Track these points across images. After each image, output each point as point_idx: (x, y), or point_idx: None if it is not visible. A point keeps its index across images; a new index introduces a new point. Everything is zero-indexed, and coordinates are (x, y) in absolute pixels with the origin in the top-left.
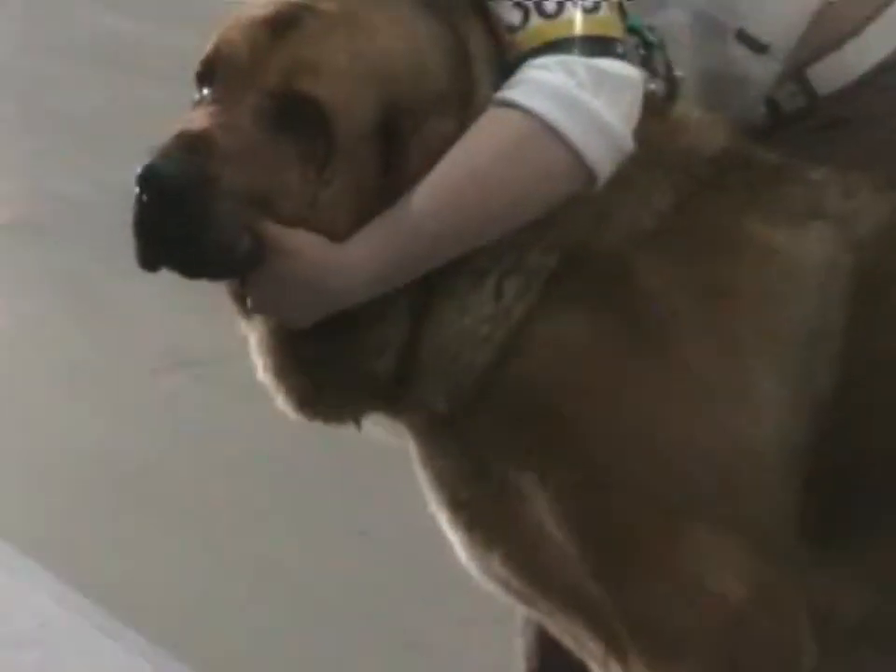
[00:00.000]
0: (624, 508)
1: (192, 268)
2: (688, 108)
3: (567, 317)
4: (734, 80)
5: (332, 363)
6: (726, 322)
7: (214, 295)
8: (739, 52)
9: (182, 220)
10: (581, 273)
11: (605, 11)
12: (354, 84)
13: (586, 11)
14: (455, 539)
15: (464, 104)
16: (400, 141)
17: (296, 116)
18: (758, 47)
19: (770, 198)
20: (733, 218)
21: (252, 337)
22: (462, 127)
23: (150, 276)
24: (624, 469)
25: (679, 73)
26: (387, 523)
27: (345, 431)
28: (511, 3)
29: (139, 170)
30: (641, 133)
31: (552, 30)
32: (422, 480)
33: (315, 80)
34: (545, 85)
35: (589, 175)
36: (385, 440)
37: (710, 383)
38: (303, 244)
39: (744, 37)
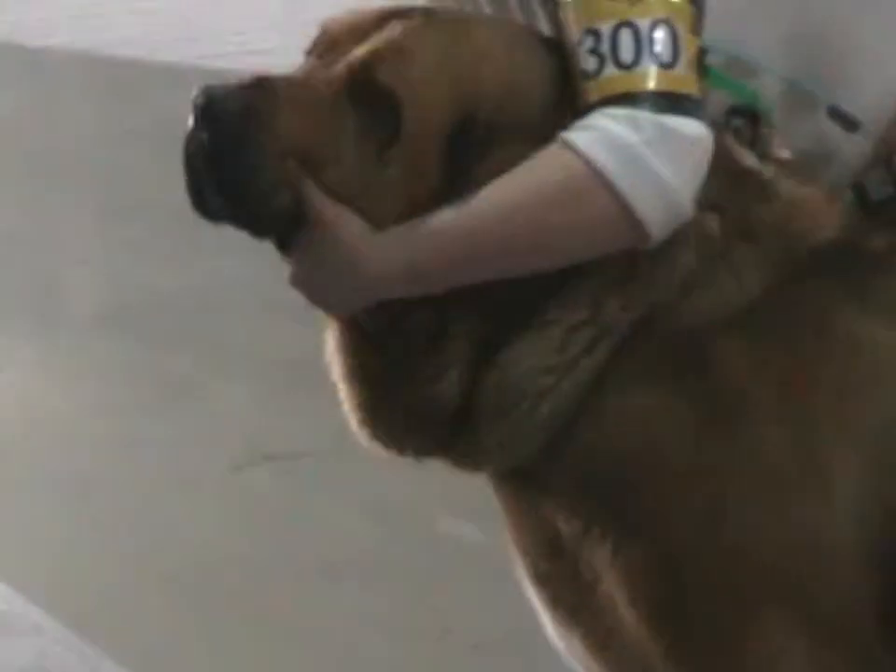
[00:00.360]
0: (696, 593)
1: (230, 208)
2: (801, 186)
3: (642, 390)
4: (822, 158)
5: (394, 379)
6: (804, 412)
7: (297, 390)
8: (830, 129)
9: (225, 149)
10: (658, 342)
11: (682, 68)
12: (435, 84)
13: (662, 66)
14: (542, 613)
15: (546, 138)
16: (471, 153)
17: (370, 97)
18: (850, 125)
19: (868, 289)
20: (824, 306)
21: (329, 337)
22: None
23: (233, 371)
24: (696, 552)
25: (784, 152)
26: (473, 621)
27: (433, 531)
28: (587, 49)
29: (196, 100)
30: (751, 212)
31: (625, 81)
32: (510, 547)
33: (396, 71)
34: (607, 134)
35: (639, 231)
36: (471, 538)
37: (783, 472)
38: (343, 219)
39: (836, 113)
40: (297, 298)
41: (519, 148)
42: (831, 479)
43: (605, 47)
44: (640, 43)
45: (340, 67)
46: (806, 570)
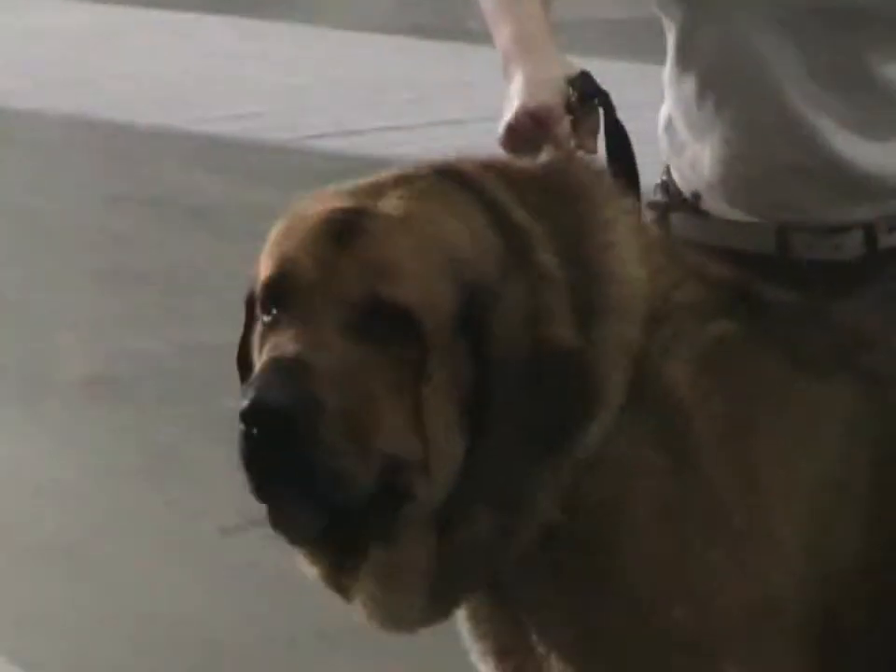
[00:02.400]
0: (658, 652)
1: (308, 498)
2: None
3: (627, 449)
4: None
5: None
6: (752, 463)
7: None
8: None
9: (297, 450)
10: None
11: None
12: (431, 279)
13: None
14: None
15: (523, 264)
16: (482, 318)
17: (382, 323)
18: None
19: (795, 341)
20: (768, 363)
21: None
22: (530, 290)
23: (220, 436)
24: (662, 608)
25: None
26: None
27: None
28: None
29: (245, 405)
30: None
31: None
32: (465, 629)
33: (396, 284)
34: None
35: None
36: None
37: (739, 525)
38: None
39: None
40: None
41: (514, 287)
42: (776, 530)
43: None
44: None
45: (340, 314)
46: (759, 620)
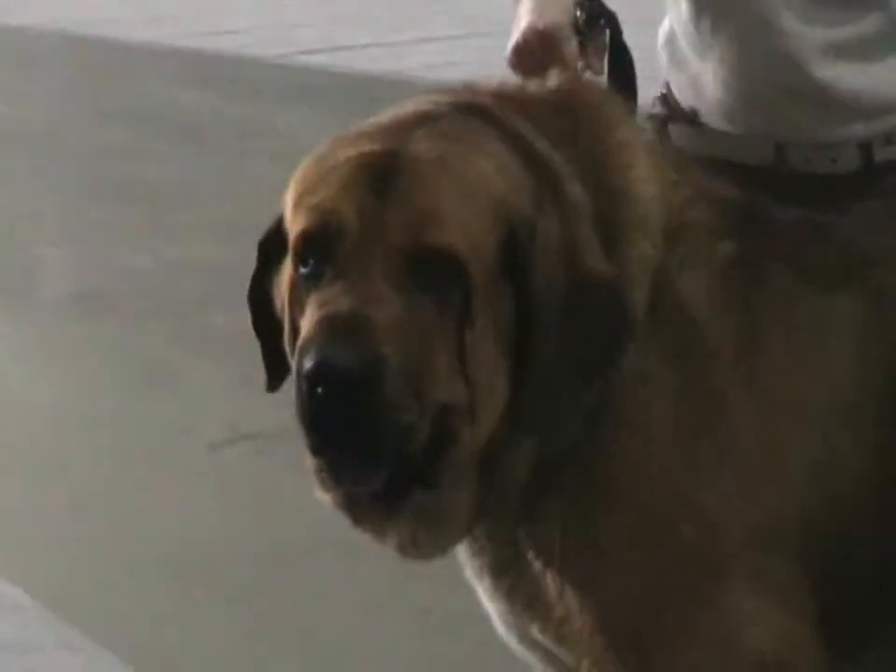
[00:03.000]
0: (662, 566)
1: (372, 454)
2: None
3: (643, 363)
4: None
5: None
6: (763, 381)
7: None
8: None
9: (363, 407)
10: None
11: None
12: (474, 222)
13: None
14: (493, 609)
15: (554, 196)
16: (524, 254)
17: (429, 270)
18: None
19: (808, 260)
20: (778, 280)
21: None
22: (563, 221)
23: (210, 351)
24: (669, 524)
25: None
26: (452, 601)
27: None
28: None
29: (310, 366)
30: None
31: None
32: (461, 548)
33: (441, 230)
34: None
35: None
36: None
37: (748, 444)
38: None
39: None
40: None
41: (549, 221)
42: (785, 450)
43: None
44: None
45: (389, 264)
46: (763, 535)
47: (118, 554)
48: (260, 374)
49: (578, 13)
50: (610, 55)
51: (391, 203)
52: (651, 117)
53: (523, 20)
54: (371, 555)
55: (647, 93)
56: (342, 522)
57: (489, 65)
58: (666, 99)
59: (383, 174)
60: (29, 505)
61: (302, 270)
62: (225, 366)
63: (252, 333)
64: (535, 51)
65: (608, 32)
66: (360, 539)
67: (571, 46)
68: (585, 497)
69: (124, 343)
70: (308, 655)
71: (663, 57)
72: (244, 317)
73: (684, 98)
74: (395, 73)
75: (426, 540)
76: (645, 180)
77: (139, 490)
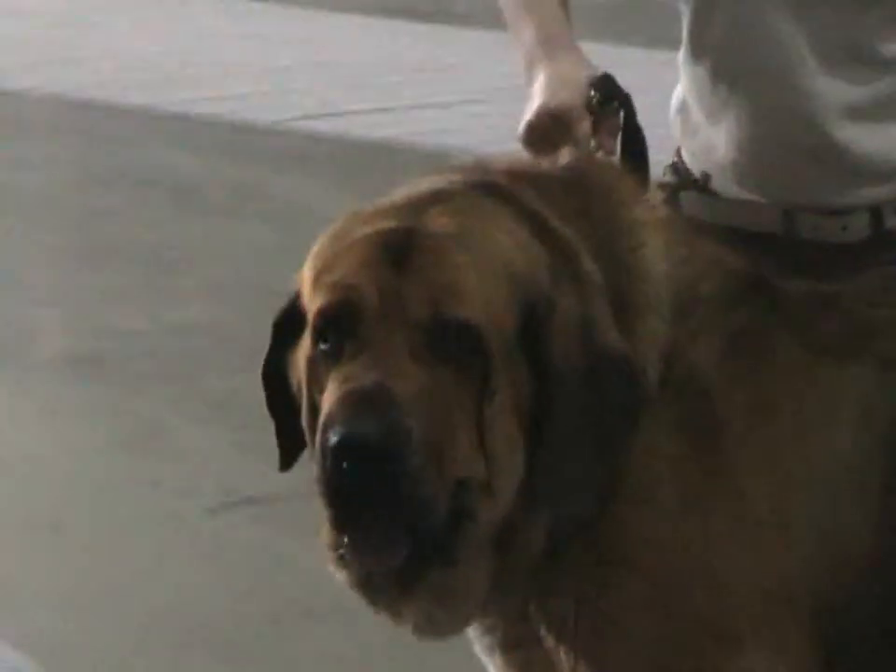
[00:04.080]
0: (675, 637)
1: (395, 528)
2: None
3: (655, 436)
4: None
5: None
6: (773, 449)
7: (272, 433)
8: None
9: (387, 480)
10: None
11: None
12: (492, 295)
13: None
14: None
15: (570, 272)
16: (542, 328)
17: (449, 343)
18: None
19: (810, 327)
20: (788, 350)
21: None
22: (579, 297)
23: (207, 415)
24: (682, 594)
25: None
26: (452, 668)
27: None
28: None
29: (335, 440)
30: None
31: None
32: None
33: (461, 303)
34: None
35: None
36: None
37: (759, 510)
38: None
39: None
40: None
41: (567, 299)
42: (795, 515)
43: None
44: None
45: (409, 337)
46: (775, 602)
47: (116, 618)
48: (258, 438)
49: (592, 93)
50: (624, 135)
51: (409, 277)
52: (662, 185)
53: (535, 98)
54: (371, 620)
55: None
56: (339, 586)
57: (485, 132)
58: (677, 167)
59: (400, 249)
60: (25, 568)
61: (322, 346)
62: (223, 429)
63: (249, 396)
64: (547, 131)
65: (622, 113)
66: (359, 603)
67: (584, 126)
68: (599, 570)
69: (121, 405)
70: None
71: (675, 125)
72: (241, 380)
73: (696, 164)
74: (391, 139)
75: (442, 618)
76: (656, 259)
77: (135, 553)
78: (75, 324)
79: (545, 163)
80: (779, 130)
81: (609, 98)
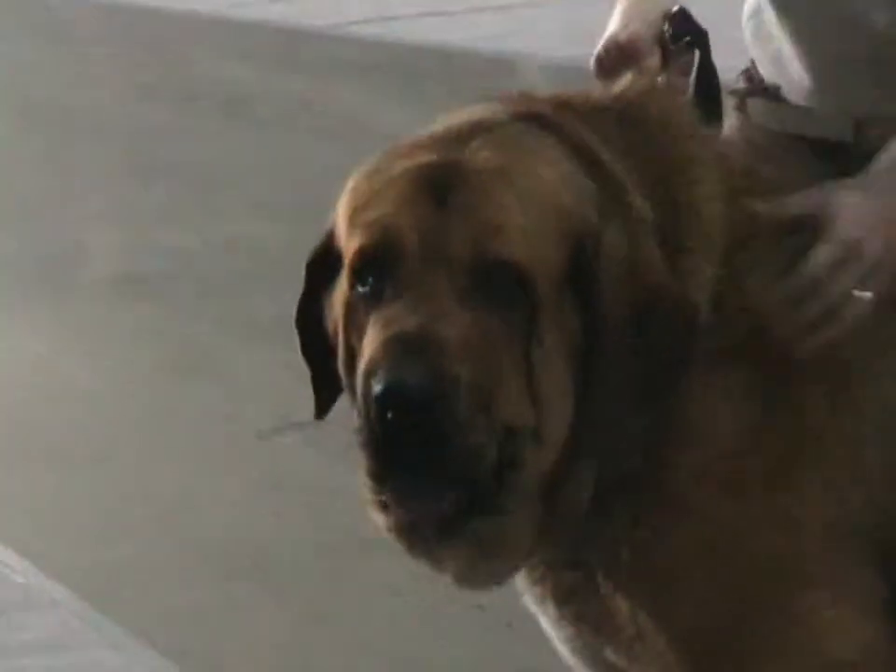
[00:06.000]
0: (739, 577)
1: (442, 478)
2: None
3: (710, 374)
4: None
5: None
6: (841, 384)
7: None
8: None
9: (436, 428)
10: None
11: None
12: (539, 233)
13: None
14: (559, 635)
15: (619, 208)
16: (590, 267)
17: (495, 285)
18: None
19: None
20: None
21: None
22: (628, 234)
23: (256, 335)
24: (746, 532)
25: None
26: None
27: None
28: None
29: (380, 389)
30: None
31: None
32: (519, 576)
33: (505, 242)
34: None
35: None
36: None
37: (826, 444)
38: None
39: None
40: None
41: (613, 232)
42: (864, 460)
43: None
44: None
45: (453, 279)
46: (839, 539)
47: (161, 547)
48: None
49: (665, 27)
50: (697, 75)
51: (452, 215)
52: (734, 92)
53: (608, 29)
54: None
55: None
56: None
57: (544, 36)
58: (750, 73)
59: (442, 186)
60: (69, 496)
61: (360, 289)
62: (272, 351)
63: None
64: (615, 63)
65: (696, 52)
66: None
67: (652, 59)
68: (654, 514)
69: (167, 327)
70: (356, 652)
71: (747, 32)
72: (291, 301)
73: (767, 73)
74: (448, 44)
75: (485, 569)
76: (711, 198)
77: (184, 481)
78: (120, 243)
79: (597, 94)
80: (846, 40)
81: (682, 33)
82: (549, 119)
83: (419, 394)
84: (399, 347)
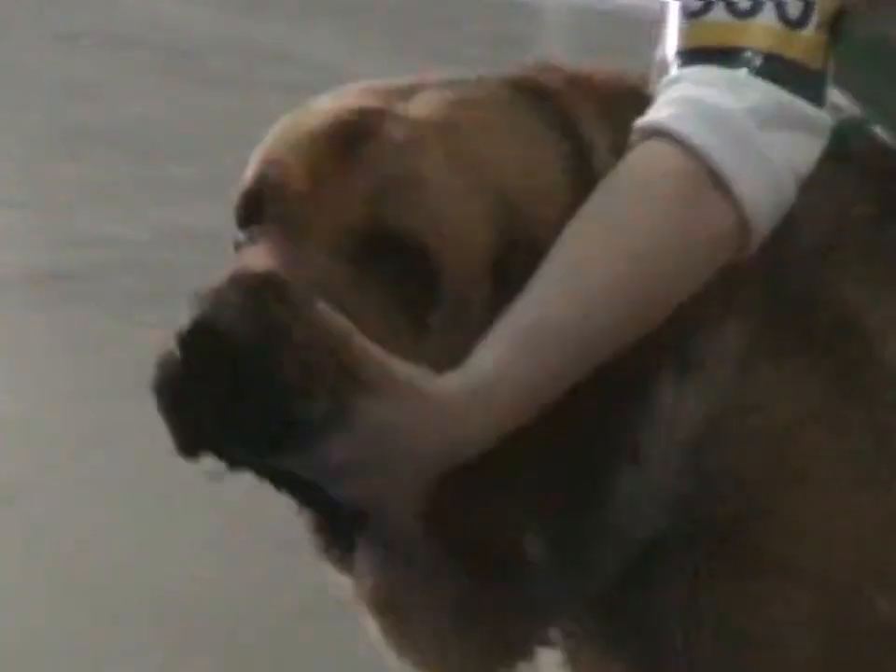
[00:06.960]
0: (850, 650)
1: (251, 450)
2: None
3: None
4: None
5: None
6: None
7: None
8: None
9: (247, 386)
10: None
11: (811, 30)
12: (463, 212)
13: (787, 23)
14: None
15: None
16: (517, 276)
17: (387, 253)
18: None
19: None
20: None
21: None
22: None
23: None
24: (855, 599)
25: None
26: None
27: None
28: None
29: (184, 325)
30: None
31: (733, 32)
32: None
33: (411, 211)
34: (709, 109)
35: (745, 239)
36: None
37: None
38: (411, 377)
39: None
40: None
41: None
42: None
43: None
44: None
45: (333, 237)
46: None
47: (90, 614)
48: None
49: None
50: None
51: (356, 165)
52: None
53: None
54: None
55: None
56: None
57: None
58: None
59: (359, 133)
60: None
61: (240, 237)
62: None
63: None
64: None
65: None
66: None
67: None
68: (742, 582)
69: (106, 334)
70: None
71: None
72: None
73: None
74: None
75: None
76: None
77: (125, 524)
78: (42, 233)
79: (623, 73)
80: None
81: None
82: (550, 93)
83: (227, 336)
84: (230, 286)
